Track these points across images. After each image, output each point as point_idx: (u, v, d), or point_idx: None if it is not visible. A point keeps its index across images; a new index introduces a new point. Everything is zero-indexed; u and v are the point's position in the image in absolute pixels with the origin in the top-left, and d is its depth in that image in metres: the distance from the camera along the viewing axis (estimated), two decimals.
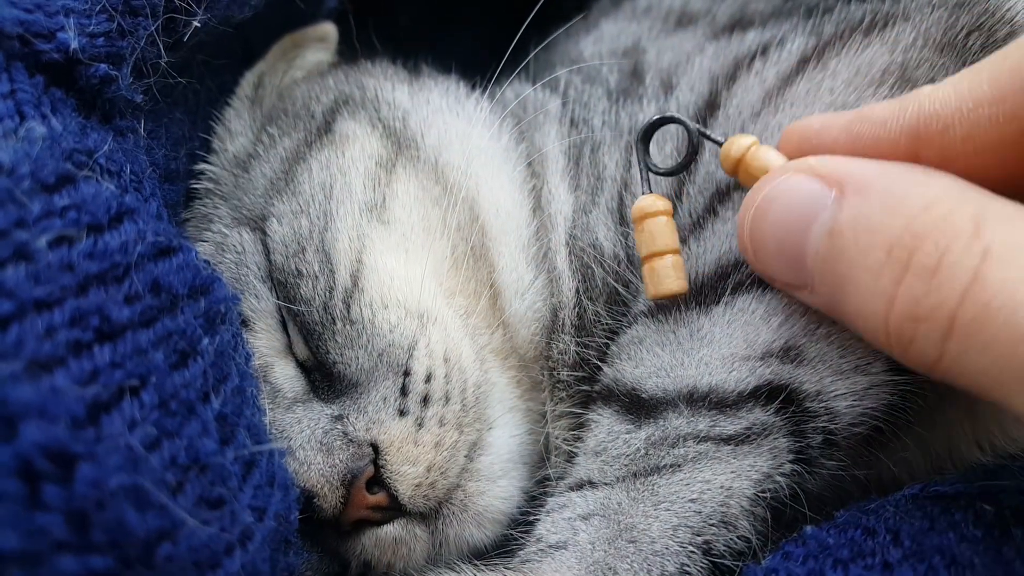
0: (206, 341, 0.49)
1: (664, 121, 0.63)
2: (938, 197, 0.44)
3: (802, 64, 0.68)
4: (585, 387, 0.69)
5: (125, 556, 0.38)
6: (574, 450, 0.66)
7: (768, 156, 0.57)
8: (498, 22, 0.90)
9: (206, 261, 0.53)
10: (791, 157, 0.55)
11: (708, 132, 0.61)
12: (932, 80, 0.66)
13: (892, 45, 0.67)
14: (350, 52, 0.89)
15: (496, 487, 0.66)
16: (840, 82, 0.66)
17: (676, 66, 0.76)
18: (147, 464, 0.41)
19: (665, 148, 0.68)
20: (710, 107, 0.71)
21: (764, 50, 0.72)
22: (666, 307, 0.65)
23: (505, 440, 0.68)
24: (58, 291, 0.42)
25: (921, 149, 0.49)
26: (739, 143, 0.58)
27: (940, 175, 0.46)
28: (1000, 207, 0.43)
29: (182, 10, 0.60)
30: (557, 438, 0.68)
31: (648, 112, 0.74)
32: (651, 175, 0.62)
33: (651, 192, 0.62)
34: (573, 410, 0.68)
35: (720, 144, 0.60)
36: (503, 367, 0.70)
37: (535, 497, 0.68)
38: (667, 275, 0.60)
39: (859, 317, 0.45)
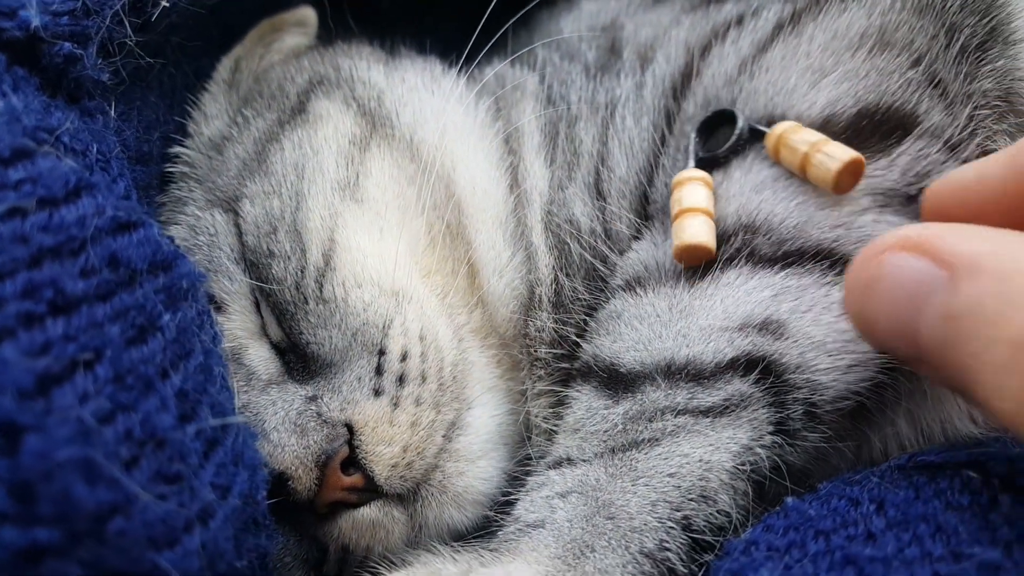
0: (167, 317, 0.48)
1: (721, 115, 0.64)
2: None
3: (777, 30, 0.67)
4: (564, 364, 0.68)
5: (73, 530, 0.38)
6: (554, 428, 0.65)
7: (801, 136, 0.59)
8: (481, 4, 0.90)
9: (170, 238, 0.53)
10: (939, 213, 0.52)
11: (755, 124, 0.63)
12: (911, 43, 0.65)
13: (869, 8, 0.66)
14: (329, 36, 0.89)
15: (476, 467, 0.65)
16: (816, 46, 0.65)
17: (654, 39, 0.75)
18: (99, 437, 0.40)
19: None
20: (686, 77, 0.70)
21: (740, 19, 0.71)
22: (645, 280, 0.64)
23: (485, 420, 0.67)
24: (10, 263, 0.41)
25: None
26: (777, 128, 0.60)
27: None
28: None
29: None
30: (537, 416, 0.67)
31: (625, 86, 0.73)
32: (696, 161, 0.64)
33: None
34: (553, 388, 0.67)
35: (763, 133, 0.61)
36: (482, 346, 0.69)
37: (517, 478, 0.67)
38: (696, 229, 0.59)
39: (989, 410, 0.42)
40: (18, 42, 0.53)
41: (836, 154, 0.58)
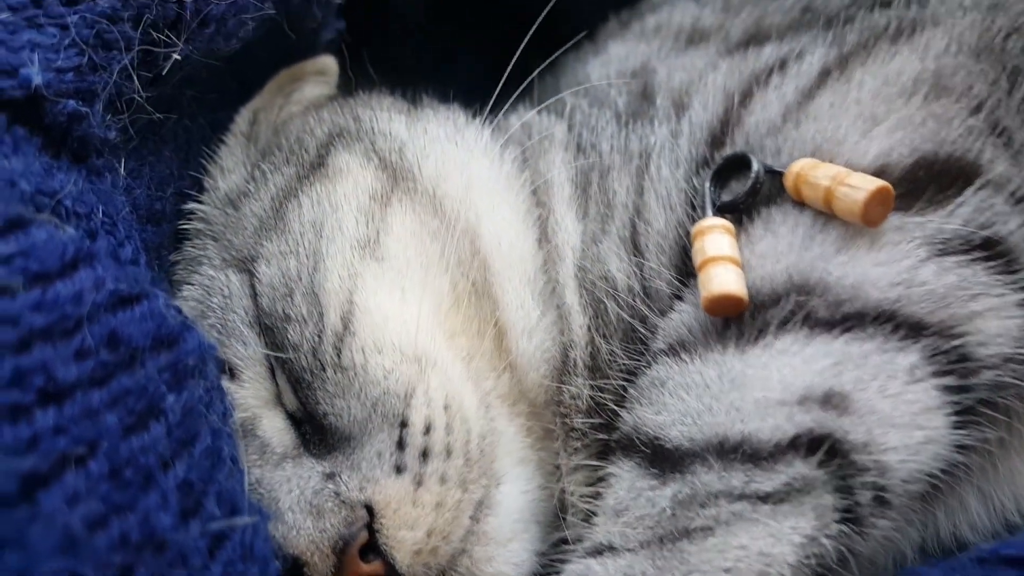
0: (171, 399, 0.44)
1: (734, 159, 0.61)
2: None
3: (824, 76, 0.63)
4: (602, 436, 0.62)
5: None
6: (592, 508, 0.60)
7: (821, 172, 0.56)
8: (503, 51, 0.87)
9: (177, 309, 0.49)
10: None
11: (771, 165, 0.60)
12: (970, 88, 0.60)
13: (923, 52, 0.62)
14: (350, 86, 0.86)
15: (506, 551, 0.59)
16: (867, 92, 0.61)
17: (688, 85, 0.71)
18: (89, 545, 0.36)
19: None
20: (725, 125, 0.66)
21: (783, 64, 0.67)
22: (691, 344, 0.59)
23: (515, 497, 0.61)
24: None
25: None
26: (794, 167, 0.58)
27: None
28: None
29: (160, 42, 0.57)
30: (572, 494, 0.62)
31: (659, 134, 0.69)
32: (714, 209, 0.61)
33: None
34: (589, 462, 0.62)
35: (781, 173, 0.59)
36: (511, 414, 0.64)
37: (550, 562, 0.61)
38: (724, 278, 0.55)
39: None
40: (19, 101, 0.49)
41: (861, 184, 0.54)
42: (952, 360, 0.53)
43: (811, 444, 0.52)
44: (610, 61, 0.82)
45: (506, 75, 0.77)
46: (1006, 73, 0.61)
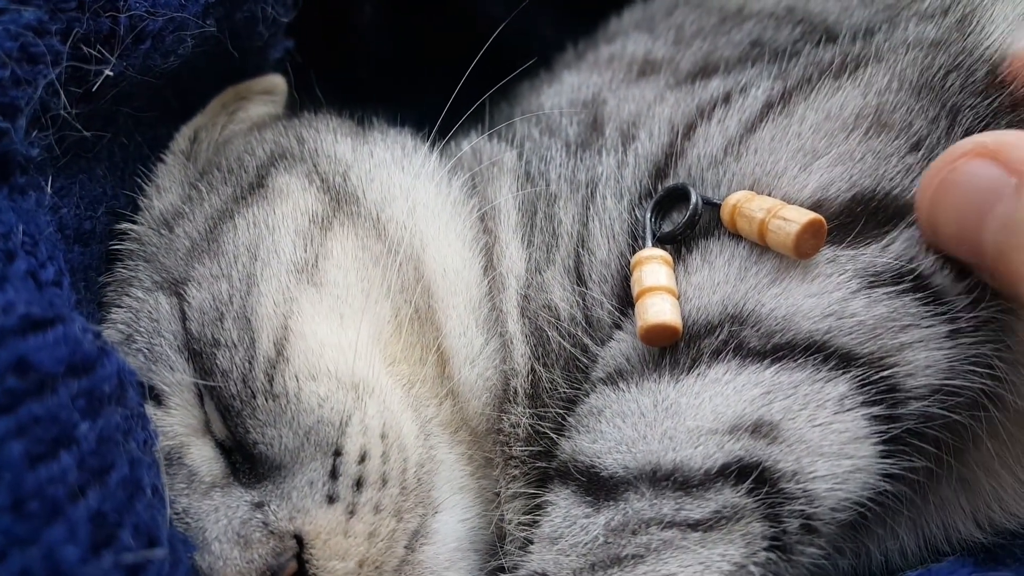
0: (85, 426, 0.42)
1: (674, 191, 0.62)
2: None
3: (766, 110, 0.64)
4: (541, 464, 0.62)
5: None
6: (530, 536, 0.59)
7: (756, 204, 0.57)
8: (460, 77, 0.87)
9: (95, 333, 0.47)
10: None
11: (709, 198, 0.61)
12: (910, 125, 0.62)
13: (865, 88, 0.63)
14: (307, 105, 0.85)
15: None
16: (808, 127, 0.62)
17: (636, 116, 0.72)
18: None
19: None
20: (669, 157, 0.67)
21: (727, 97, 0.68)
22: (628, 373, 0.59)
23: (453, 526, 0.60)
24: None
25: None
26: (731, 199, 0.59)
27: None
28: None
29: (91, 58, 0.55)
30: (510, 522, 0.61)
31: (606, 164, 0.70)
32: (654, 240, 0.62)
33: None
34: (528, 490, 0.62)
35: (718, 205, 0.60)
36: (452, 442, 0.63)
37: None
38: (660, 308, 0.56)
39: None
40: None
41: (794, 217, 0.55)
42: (881, 390, 0.54)
43: (741, 472, 0.52)
44: (563, 91, 0.83)
45: (451, 100, 0.77)
46: (945, 111, 0.62)
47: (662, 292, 0.57)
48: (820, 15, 0.77)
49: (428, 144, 0.77)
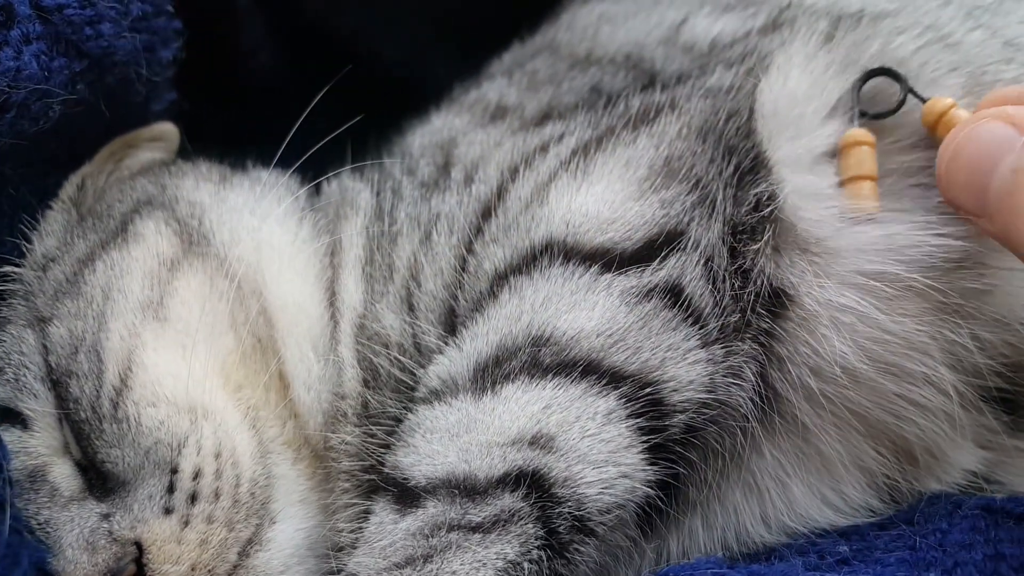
0: None
1: (879, 72, 0.68)
2: None
3: (571, 158, 0.71)
4: (371, 476, 0.69)
5: None
6: (356, 542, 0.66)
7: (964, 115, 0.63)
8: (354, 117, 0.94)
9: None
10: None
11: (916, 90, 0.67)
12: (692, 168, 0.69)
13: (659, 138, 0.70)
14: (195, 151, 0.92)
15: None
16: (605, 179, 0.68)
17: (479, 159, 0.79)
18: None
19: None
20: (499, 198, 0.74)
21: (545, 145, 0.75)
22: (442, 393, 0.66)
23: (289, 534, 0.67)
24: None
25: None
26: (940, 104, 0.65)
27: None
28: None
29: None
30: (342, 531, 0.68)
31: (448, 204, 0.77)
32: (860, 119, 0.67)
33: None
34: (358, 501, 0.68)
35: (924, 101, 0.66)
36: (295, 459, 0.71)
37: None
38: (868, 196, 0.64)
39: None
40: None
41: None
42: (645, 404, 0.60)
43: (518, 479, 0.59)
44: (428, 131, 0.90)
45: (286, 142, 0.84)
46: (721, 150, 0.69)
47: (869, 180, 0.64)
48: (649, 61, 0.84)
49: (298, 185, 0.84)
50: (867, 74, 0.68)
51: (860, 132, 0.66)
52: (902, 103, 0.67)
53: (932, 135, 0.65)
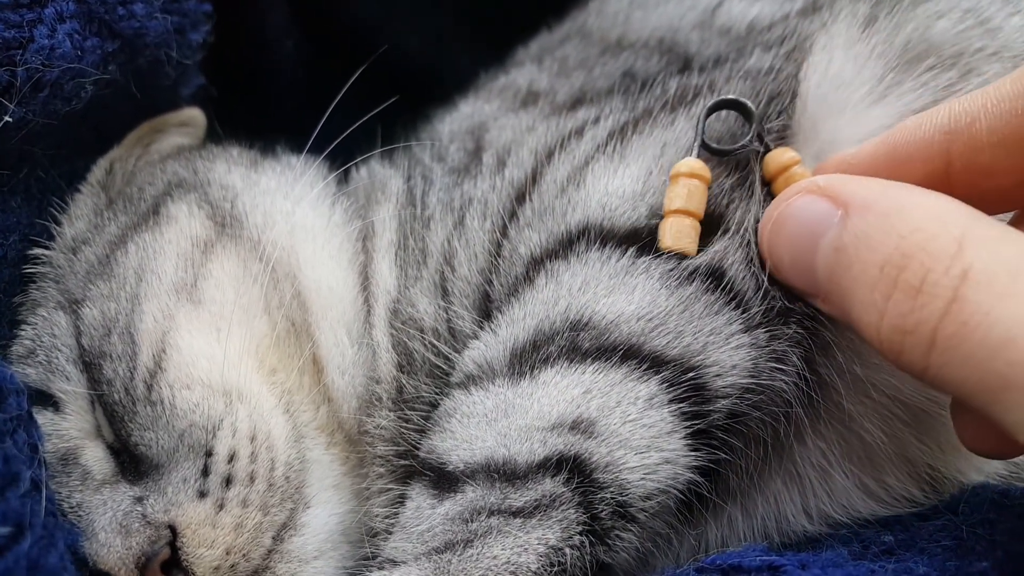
0: None
1: (726, 104, 0.65)
2: (927, 219, 0.47)
3: (608, 140, 0.70)
4: (406, 462, 0.68)
5: None
6: (392, 527, 0.65)
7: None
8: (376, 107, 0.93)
9: None
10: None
11: (763, 133, 0.64)
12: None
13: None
14: (232, 135, 0.91)
15: (309, 568, 0.65)
16: (643, 160, 0.67)
17: (511, 143, 0.78)
18: None
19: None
20: (533, 182, 0.73)
21: (582, 128, 0.74)
22: (478, 378, 0.65)
23: (323, 519, 0.67)
24: None
25: (952, 144, 0.53)
26: (783, 156, 0.63)
27: (936, 196, 0.49)
28: (984, 230, 0.46)
29: None
30: (377, 516, 0.67)
31: (480, 188, 0.76)
32: (702, 150, 0.65)
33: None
34: (394, 486, 0.68)
35: (768, 149, 0.64)
36: (329, 444, 0.70)
37: None
38: (687, 234, 0.62)
39: (860, 327, 0.49)
40: None
41: None
42: (688, 389, 0.59)
43: (560, 464, 0.58)
44: (456, 118, 0.89)
45: (352, 129, 0.83)
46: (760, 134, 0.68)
47: (691, 218, 0.62)
48: (683, 45, 0.83)
49: (327, 170, 0.84)
50: (718, 104, 0.65)
51: (696, 164, 0.62)
52: (744, 146, 0.64)
53: (771, 186, 0.63)
